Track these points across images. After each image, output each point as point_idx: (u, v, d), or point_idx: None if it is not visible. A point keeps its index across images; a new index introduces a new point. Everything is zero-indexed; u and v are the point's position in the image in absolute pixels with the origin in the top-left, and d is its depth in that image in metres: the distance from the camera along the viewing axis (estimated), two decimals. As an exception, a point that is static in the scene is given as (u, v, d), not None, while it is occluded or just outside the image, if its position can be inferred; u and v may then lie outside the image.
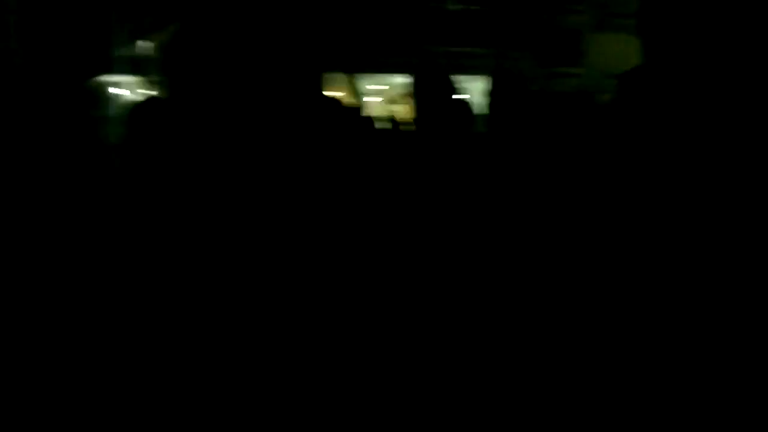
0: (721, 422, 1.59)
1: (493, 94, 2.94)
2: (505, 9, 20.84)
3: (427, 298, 1.74)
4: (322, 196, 1.47)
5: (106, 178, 2.28)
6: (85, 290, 1.54)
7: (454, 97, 2.64)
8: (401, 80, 18.88)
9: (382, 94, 21.25)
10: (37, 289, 1.58)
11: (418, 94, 2.64)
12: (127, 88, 29.82)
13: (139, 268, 1.49)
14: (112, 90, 28.04)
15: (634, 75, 1.87)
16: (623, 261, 1.66)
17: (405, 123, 3.01)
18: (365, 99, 21.36)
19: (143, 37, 27.09)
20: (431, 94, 2.71)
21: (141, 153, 2.11)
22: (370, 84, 20.08)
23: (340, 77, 18.05)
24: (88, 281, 1.56)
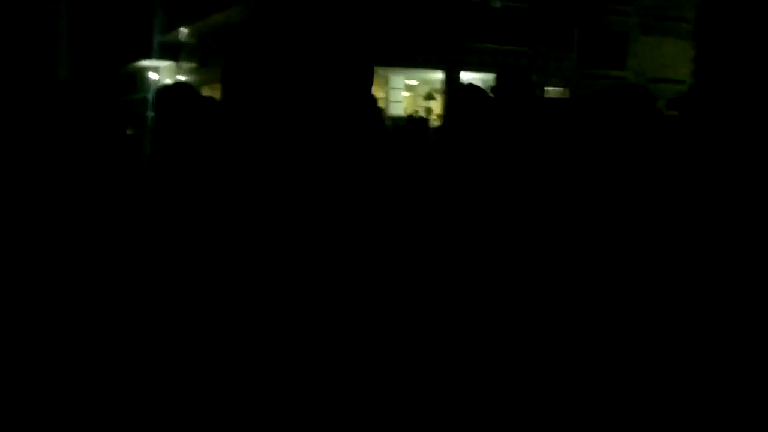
0: (721, 422, 1.59)
1: (495, 92, 2.97)
2: (549, 8, 20.38)
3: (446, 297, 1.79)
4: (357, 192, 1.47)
5: (135, 165, 2.35)
6: (107, 282, 1.60)
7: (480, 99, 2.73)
8: (436, 76, 18.70)
9: (416, 90, 21.08)
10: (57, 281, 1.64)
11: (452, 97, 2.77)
12: (166, 73, 30.15)
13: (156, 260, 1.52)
14: (151, 75, 28.16)
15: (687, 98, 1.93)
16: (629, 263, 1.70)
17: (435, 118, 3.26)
18: (403, 94, 21.22)
19: (184, 24, 27.50)
20: (464, 98, 2.80)
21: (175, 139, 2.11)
22: (407, 79, 19.89)
23: (376, 73, 17.96)
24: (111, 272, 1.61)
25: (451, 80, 17.36)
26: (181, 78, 27.30)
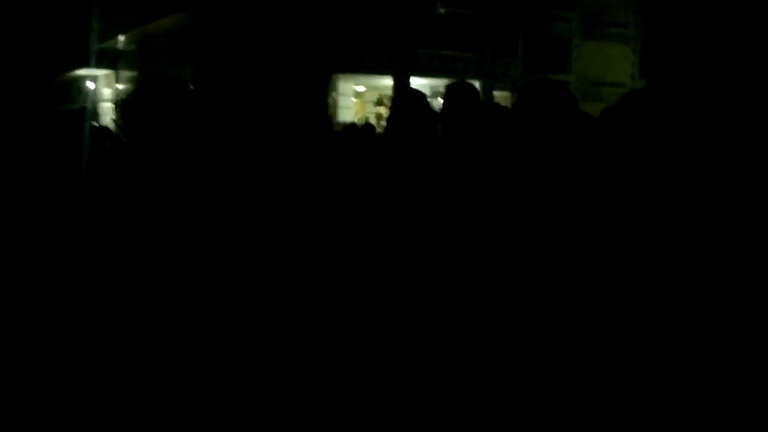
0: (721, 422, 1.59)
1: (445, 105, 3.04)
2: (495, 14, 20.72)
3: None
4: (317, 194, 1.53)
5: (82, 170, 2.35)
6: (85, 288, 1.57)
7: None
8: (386, 82, 18.71)
9: (365, 96, 21.02)
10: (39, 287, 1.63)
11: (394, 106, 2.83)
12: (104, 82, 29.15)
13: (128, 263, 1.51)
14: (89, 84, 27.23)
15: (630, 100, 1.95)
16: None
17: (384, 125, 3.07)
18: (352, 100, 21.11)
19: (122, 31, 26.68)
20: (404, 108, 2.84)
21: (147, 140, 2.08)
22: (356, 85, 19.82)
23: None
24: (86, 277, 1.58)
25: (401, 86, 17.40)
26: (120, 87, 26.50)
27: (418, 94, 2.83)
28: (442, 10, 18.28)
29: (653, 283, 1.68)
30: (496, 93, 20.48)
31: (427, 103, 2.81)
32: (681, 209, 1.72)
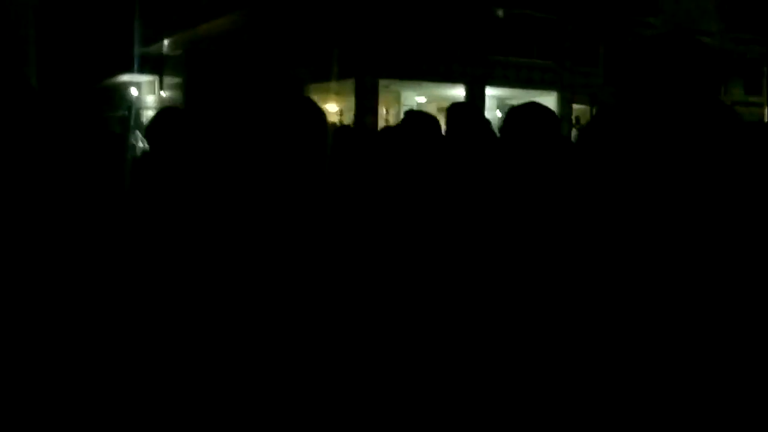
0: (721, 422, 1.67)
1: (449, 125, 3.34)
2: (574, 19, 19.42)
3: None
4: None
5: (121, 179, 2.69)
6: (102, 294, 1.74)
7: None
8: (454, 92, 17.55)
9: (425, 108, 19.86)
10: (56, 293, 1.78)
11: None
12: (147, 89, 28.84)
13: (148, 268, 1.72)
14: (132, 90, 26.93)
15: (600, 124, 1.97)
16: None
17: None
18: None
19: (165, 36, 26.31)
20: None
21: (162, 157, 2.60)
22: (420, 95, 18.69)
23: (386, 87, 16.68)
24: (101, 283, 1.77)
25: (474, 96, 16.20)
26: (164, 94, 26.08)
27: (429, 118, 3.06)
28: (499, 13, 17.11)
29: (647, 290, 1.76)
30: (575, 106, 19.16)
31: (437, 127, 3.01)
32: (668, 214, 1.79)
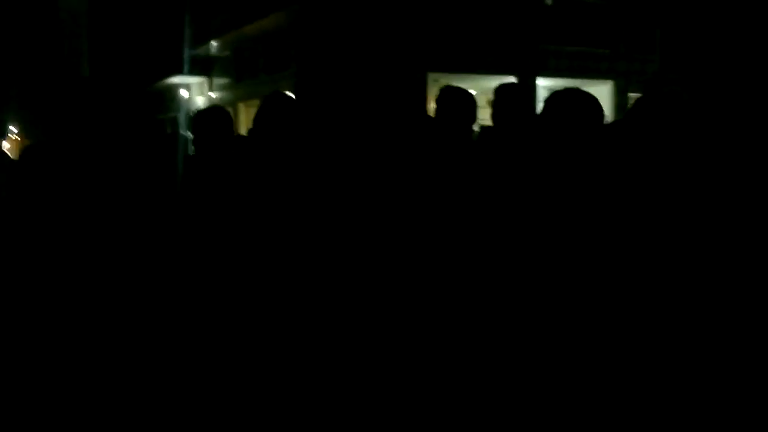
0: (721, 422, 1.68)
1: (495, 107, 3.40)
2: (628, 4, 18.80)
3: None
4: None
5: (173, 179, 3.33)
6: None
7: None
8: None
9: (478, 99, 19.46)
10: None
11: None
12: (197, 90, 29.31)
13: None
14: (182, 92, 27.41)
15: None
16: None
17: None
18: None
19: (215, 36, 26.66)
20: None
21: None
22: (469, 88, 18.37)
23: (435, 81, 16.45)
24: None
25: (526, 87, 15.84)
26: (213, 95, 26.43)
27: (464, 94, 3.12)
28: (548, 1, 16.59)
29: (665, 287, 1.76)
30: (631, 95, 18.53)
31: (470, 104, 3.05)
32: (689, 214, 1.84)
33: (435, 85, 16.68)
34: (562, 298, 1.84)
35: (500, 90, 3.42)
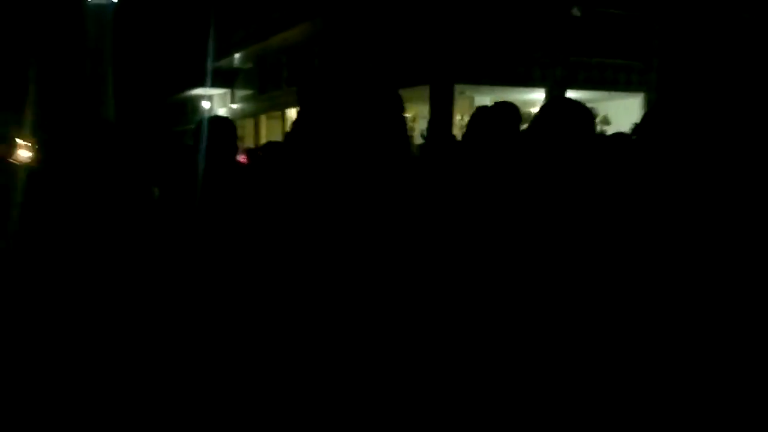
0: (721, 422, 1.68)
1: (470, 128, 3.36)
2: (660, 16, 18.39)
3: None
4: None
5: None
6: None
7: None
8: (531, 96, 16.88)
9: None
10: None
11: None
12: (219, 102, 29.33)
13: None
14: (204, 103, 27.44)
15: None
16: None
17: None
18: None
19: (239, 48, 26.75)
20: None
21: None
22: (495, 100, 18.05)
23: (462, 92, 16.19)
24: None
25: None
26: (235, 107, 26.45)
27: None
28: (576, 13, 16.25)
29: (663, 288, 1.79)
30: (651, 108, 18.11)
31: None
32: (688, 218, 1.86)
33: (460, 97, 16.41)
34: (556, 301, 1.92)
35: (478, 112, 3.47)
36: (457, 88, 15.62)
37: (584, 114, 2.27)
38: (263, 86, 24.49)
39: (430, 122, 14.04)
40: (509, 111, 3.31)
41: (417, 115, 16.34)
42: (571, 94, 16.74)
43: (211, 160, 2.84)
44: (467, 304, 1.99)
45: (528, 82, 15.96)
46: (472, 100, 17.52)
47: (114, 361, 1.95)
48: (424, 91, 15.09)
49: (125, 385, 1.88)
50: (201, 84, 26.34)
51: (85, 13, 10.73)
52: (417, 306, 1.77)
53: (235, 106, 26.56)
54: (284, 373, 1.60)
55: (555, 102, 2.37)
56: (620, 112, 16.57)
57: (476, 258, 2.08)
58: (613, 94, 16.87)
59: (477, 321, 1.92)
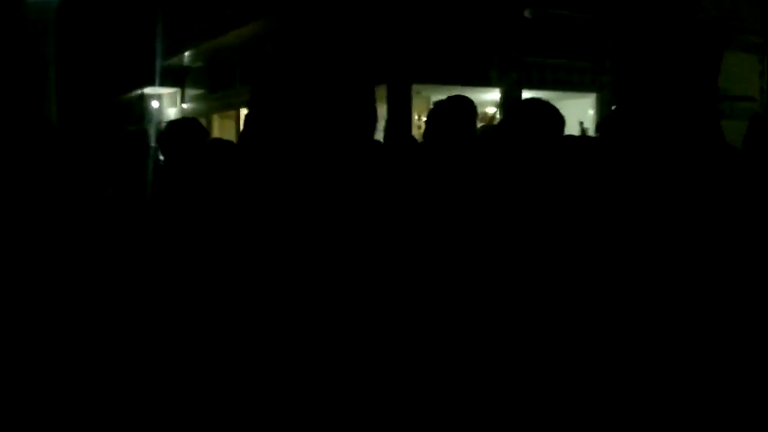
0: (721, 422, 1.68)
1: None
2: (612, 18, 18.78)
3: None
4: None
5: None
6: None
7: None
8: (486, 96, 17.04)
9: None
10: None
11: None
12: (169, 101, 28.69)
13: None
14: (153, 103, 26.85)
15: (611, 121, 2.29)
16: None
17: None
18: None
19: (186, 48, 26.18)
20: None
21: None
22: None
23: (418, 92, 16.22)
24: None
25: (510, 100, 15.64)
26: (185, 106, 25.90)
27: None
28: (527, 14, 16.52)
29: (651, 289, 1.80)
30: (614, 107, 18.50)
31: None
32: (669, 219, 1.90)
33: (416, 96, 16.44)
34: (550, 302, 1.92)
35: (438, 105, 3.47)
36: (414, 88, 15.64)
37: (554, 115, 2.29)
38: (214, 85, 24.03)
39: (388, 122, 14.01)
40: (465, 104, 3.28)
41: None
42: (526, 93, 16.96)
43: (173, 163, 2.79)
44: (431, 297, 1.96)
45: (484, 82, 16.07)
46: (428, 100, 17.57)
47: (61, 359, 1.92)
48: (381, 90, 15.04)
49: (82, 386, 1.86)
50: (150, 83, 25.69)
51: (24, 8, 10.33)
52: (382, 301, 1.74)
53: (185, 105, 26.01)
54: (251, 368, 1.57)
55: (526, 103, 2.36)
56: (571, 111, 16.86)
57: (445, 255, 2.04)
58: (565, 94, 17.13)
59: (440, 317, 1.91)
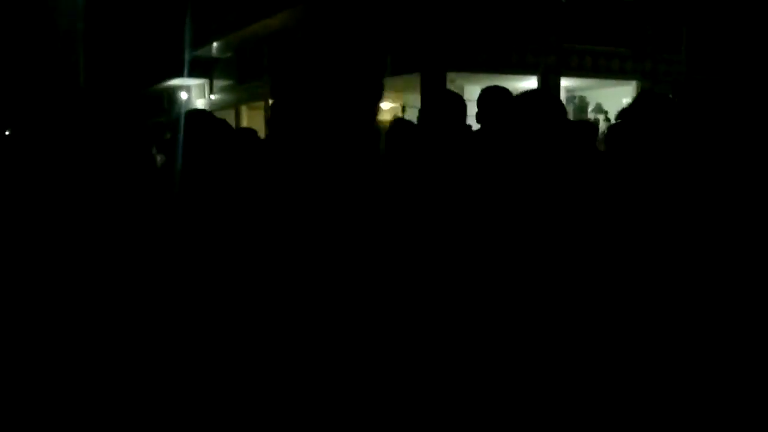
0: (721, 422, 1.69)
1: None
2: (655, 4, 18.15)
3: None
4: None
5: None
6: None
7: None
8: (521, 85, 16.56)
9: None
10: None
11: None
12: (197, 92, 28.67)
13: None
14: (182, 94, 26.86)
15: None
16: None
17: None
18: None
19: (214, 39, 26.11)
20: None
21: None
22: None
23: (452, 80, 15.83)
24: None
25: (547, 88, 15.16)
26: (214, 97, 25.86)
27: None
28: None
29: (653, 286, 1.80)
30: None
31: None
32: (676, 214, 1.88)
33: (450, 85, 16.08)
34: (549, 300, 1.91)
35: (485, 93, 3.52)
36: (448, 76, 15.28)
37: (556, 105, 2.28)
38: (243, 76, 23.93)
39: (421, 111, 13.70)
40: (456, 100, 3.31)
41: (406, 105, 15.98)
42: (563, 81, 16.50)
43: (195, 157, 2.75)
44: (442, 296, 1.92)
45: (520, 69, 15.63)
46: (461, 88, 17.19)
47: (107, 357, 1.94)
48: (414, 79, 14.71)
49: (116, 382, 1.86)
50: (178, 74, 25.70)
51: (54, 1, 10.31)
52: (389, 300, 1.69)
53: (214, 96, 25.98)
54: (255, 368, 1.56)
55: (527, 95, 2.37)
56: (612, 99, 16.32)
57: (456, 251, 2.06)
58: (605, 81, 16.59)
59: (442, 314, 1.89)
